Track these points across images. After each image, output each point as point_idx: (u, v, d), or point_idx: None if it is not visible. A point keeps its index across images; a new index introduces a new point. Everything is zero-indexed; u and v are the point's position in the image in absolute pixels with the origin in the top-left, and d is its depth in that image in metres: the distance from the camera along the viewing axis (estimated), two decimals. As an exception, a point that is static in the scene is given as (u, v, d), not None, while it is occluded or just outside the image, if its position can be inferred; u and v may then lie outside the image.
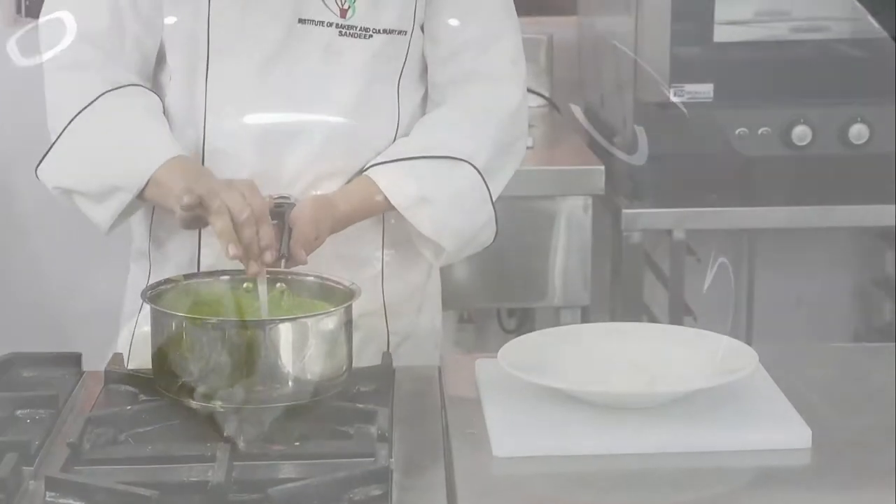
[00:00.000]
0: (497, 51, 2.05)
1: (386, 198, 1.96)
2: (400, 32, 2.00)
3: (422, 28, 2.04)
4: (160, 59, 2.02)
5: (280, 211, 1.87)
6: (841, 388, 1.84)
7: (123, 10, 1.97)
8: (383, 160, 1.99)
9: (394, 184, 1.96)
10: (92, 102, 1.94)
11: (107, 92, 1.94)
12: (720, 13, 3.03)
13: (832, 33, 3.15)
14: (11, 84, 3.60)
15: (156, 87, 2.03)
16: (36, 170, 1.99)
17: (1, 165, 3.73)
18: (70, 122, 1.95)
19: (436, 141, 2.01)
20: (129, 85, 1.97)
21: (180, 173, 1.86)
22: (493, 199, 2.03)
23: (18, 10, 3.75)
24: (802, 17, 3.16)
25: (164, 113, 2.00)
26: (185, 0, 1.96)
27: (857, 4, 3.20)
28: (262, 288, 1.78)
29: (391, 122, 2.03)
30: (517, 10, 2.09)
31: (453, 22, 2.03)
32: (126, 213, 1.95)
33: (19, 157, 3.62)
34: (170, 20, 1.98)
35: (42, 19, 2.01)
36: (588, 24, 3.57)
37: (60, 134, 1.95)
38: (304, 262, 1.84)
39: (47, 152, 1.97)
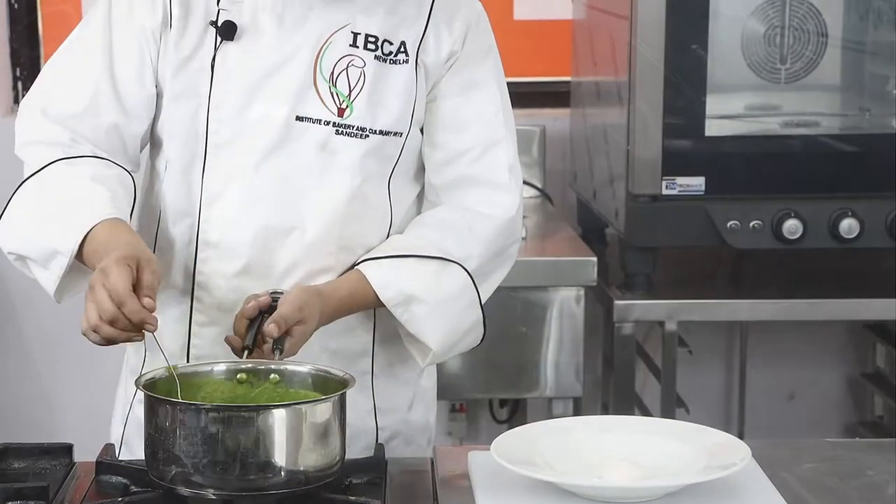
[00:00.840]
0: (494, 157, 2.05)
1: (376, 294, 1.97)
2: (396, 134, 2.01)
3: (420, 129, 2.05)
4: (156, 143, 2.04)
5: (275, 306, 1.87)
6: (833, 484, 1.83)
7: (102, 99, 1.98)
8: (375, 255, 2.00)
9: (384, 280, 1.97)
10: (41, 169, 1.95)
11: (59, 160, 1.95)
12: (711, 107, 3.05)
13: (822, 128, 3.18)
14: (9, 173, 3.65)
15: (151, 170, 2.05)
16: None
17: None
18: (18, 186, 1.96)
19: (429, 241, 2.01)
20: (86, 156, 1.97)
21: (103, 243, 1.83)
22: (483, 302, 2.04)
23: (16, 101, 3.79)
24: (792, 111, 3.19)
25: (138, 196, 1.99)
26: (186, 94, 1.98)
27: (847, 99, 3.24)
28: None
29: (384, 219, 2.04)
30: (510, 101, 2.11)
31: (453, 127, 2.05)
32: (72, 278, 1.92)
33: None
34: (168, 113, 2.00)
35: (24, 99, 2.04)
36: (580, 116, 3.60)
37: (10, 199, 1.96)
38: (273, 336, 1.84)
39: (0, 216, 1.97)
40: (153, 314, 1.75)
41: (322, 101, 1.97)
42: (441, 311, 1.99)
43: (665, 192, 3.04)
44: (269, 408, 1.69)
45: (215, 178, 1.98)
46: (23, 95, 3.75)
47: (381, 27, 1.99)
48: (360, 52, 1.98)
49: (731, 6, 3.09)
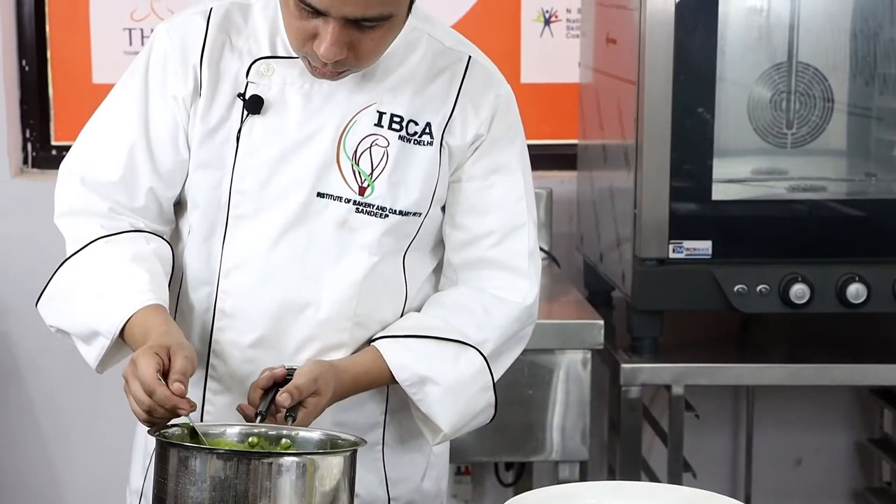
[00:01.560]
0: (515, 243, 2.05)
1: (391, 372, 1.97)
2: (415, 214, 2.01)
3: (442, 208, 2.05)
4: (181, 206, 2.06)
5: (289, 378, 1.88)
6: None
7: (140, 166, 2.01)
8: (392, 333, 2.00)
9: (400, 360, 1.97)
10: (82, 248, 1.99)
11: (99, 238, 1.98)
12: (718, 171, 3.06)
13: (828, 193, 3.19)
14: (19, 229, 3.67)
15: (175, 232, 2.07)
16: (36, 304, 2.03)
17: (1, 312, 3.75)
18: (60, 265, 2.00)
19: (447, 323, 2.01)
20: (125, 231, 2.00)
21: (141, 330, 1.88)
22: (496, 382, 2.04)
23: (25, 162, 3.81)
24: (799, 176, 3.20)
25: (175, 261, 2.02)
26: (210, 164, 1.99)
27: (853, 165, 3.25)
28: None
29: (398, 294, 2.04)
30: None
31: (475, 210, 2.05)
32: (113, 353, 1.96)
33: (20, 305, 3.66)
34: (193, 181, 2.01)
35: (63, 164, 2.07)
36: (587, 179, 3.61)
37: (51, 277, 2.00)
38: (286, 406, 1.84)
39: (42, 291, 2.01)
40: (188, 398, 1.77)
41: (344, 178, 1.97)
42: (454, 393, 1.99)
43: (672, 255, 3.04)
44: (279, 455, 1.69)
45: (235, 249, 1.99)
46: (33, 157, 3.80)
47: (408, 108, 1.99)
48: (385, 131, 1.98)
49: (738, 71, 3.11)
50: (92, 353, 1.96)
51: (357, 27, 1.83)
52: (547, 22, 3.84)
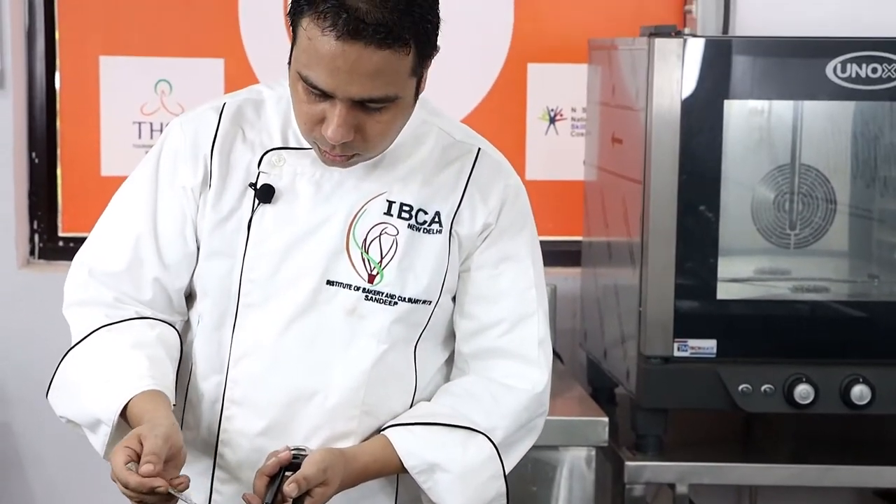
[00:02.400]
0: (525, 331, 2.07)
1: (400, 460, 1.98)
2: (425, 302, 2.02)
3: (452, 298, 2.07)
4: (191, 296, 2.07)
5: (297, 462, 1.88)
6: None
7: (146, 257, 2.03)
8: (402, 422, 2.01)
9: (409, 447, 1.98)
10: (84, 338, 2.01)
11: (102, 327, 2.01)
12: (722, 270, 3.08)
13: (831, 294, 3.21)
14: (26, 321, 3.67)
15: (185, 321, 2.08)
16: (47, 395, 2.04)
17: (3, 403, 3.74)
18: (64, 355, 2.02)
19: (455, 410, 2.02)
20: (128, 319, 2.02)
21: (136, 418, 1.90)
22: (507, 473, 2.04)
23: (32, 253, 3.83)
24: (802, 276, 3.22)
25: (183, 349, 2.04)
26: (221, 253, 2.02)
27: (856, 266, 3.28)
28: None
29: (408, 384, 2.05)
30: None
31: (485, 299, 2.06)
32: (118, 441, 1.94)
33: (23, 396, 3.66)
34: (204, 270, 2.03)
35: (76, 256, 2.09)
36: (591, 275, 3.63)
37: (57, 367, 2.02)
38: (293, 496, 1.84)
39: (50, 382, 2.03)
40: (173, 476, 1.79)
41: (353, 266, 1.99)
42: (465, 481, 1.99)
43: (677, 353, 3.05)
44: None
45: (244, 337, 2.01)
46: (40, 248, 3.82)
47: (417, 197, 2.01)
48: (394, 220, 2.00)
49: (742, 172, 3.14)
50: (98, 441, 1.98)
51: (363, 109, 1.86)
52: (552, 120, 3.88)
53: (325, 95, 1.85)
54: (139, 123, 3.80)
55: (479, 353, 2.07)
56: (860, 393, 3.03)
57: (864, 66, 3.01)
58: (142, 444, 1.80)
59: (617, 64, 3.32)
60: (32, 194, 3.81)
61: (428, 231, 2.01)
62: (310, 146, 1.97)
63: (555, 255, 3.80)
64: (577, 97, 3.79)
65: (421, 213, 2.01)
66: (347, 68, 1.81)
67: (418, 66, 1.88)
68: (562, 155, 3.87)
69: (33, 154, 3.80)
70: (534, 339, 2.07)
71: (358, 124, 1.87)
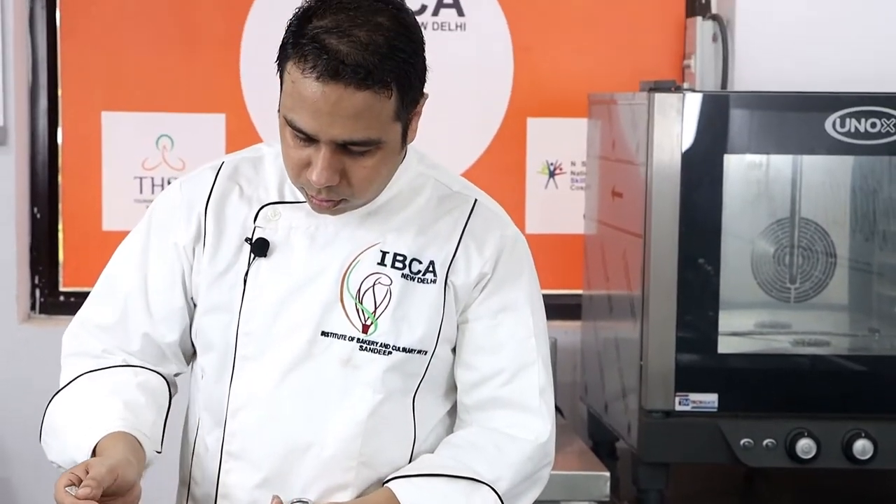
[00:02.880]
0: (526, 380, 2.06)
1: None
2: (420, 352, 2.03)
3: (452, 349, 2.07)
4: (194, 352, 2.09)
5: (297, 512, 1.88)
6: None
7: (134, 311, 2.06)
8: (405, 474, 2.00)
9: (412, 499, 1.97)
10: (68, 384, 2.04)
11: (84, 374, 2.04)
12: (723, 324, 3.08)
13: (832, 348, 3.21)
14: (27, 375, 3.67)
15: (193, 378, 2.10)
16: (40, 440, 2.06)
17: (2, 459, 3.73)
18: (49, 402, 2.05)
19: (459, 462, 2.01)
20: (111, 367, 2.04)
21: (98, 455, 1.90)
22: None
23: (33, 307, 3.83)
24: (802, 330, 3.22)
25: (170, 395, 2.06)
26: (219, 308, 2.03)
27: (856, 320, 3.28)
28: None
29: (406, 436, 2.05)
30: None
31: (484, 350, 2.06)
32: None
33: (22, 451, 3.65)
34: (203, 325, 2.05)
35: (77, 315, 2.12)
36: (592, 329, 3.63)
37: (44, 415, 2.05)
38: None
39: (41, 427, 2.05)
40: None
41: (347, 316, 2.00)
42: None
43: (678, 407, 3.05)
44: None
45: (240, 389, 2.02)
46: (41, 302, 3.83)
47: (411, 247, 2.02)
48: (388, 269, 2.01)
49: (742, 226, 3.15)
50: None
51: (348, 153, 1.88)
52: (552, 174, 3.90)
53: (310, 140, 1.87)
54: (141, 178, 3.82)
55: (481, 404, 2.07)
56: (862, 448, 3.02)
57: (862, 120, 3.03)
58: (87, 472, 1.81)
59: (617, 118, 3.34)
60: (34, 249, 3.82)
61: (422, 280, 2.02)
62: (305, 199, 1.98)
63: (555, 308, 3.80)
64: (576, 151, 3.81)
65: (415, 263, 2.02)
66: (328, 110, 1.83)
67: (402, 111, 1.89)
68: (561, 208, 3.88)
69: (35, 209, 3.82)
70: (535, 389, 2.07)
71: (343, 169, 1.89)
